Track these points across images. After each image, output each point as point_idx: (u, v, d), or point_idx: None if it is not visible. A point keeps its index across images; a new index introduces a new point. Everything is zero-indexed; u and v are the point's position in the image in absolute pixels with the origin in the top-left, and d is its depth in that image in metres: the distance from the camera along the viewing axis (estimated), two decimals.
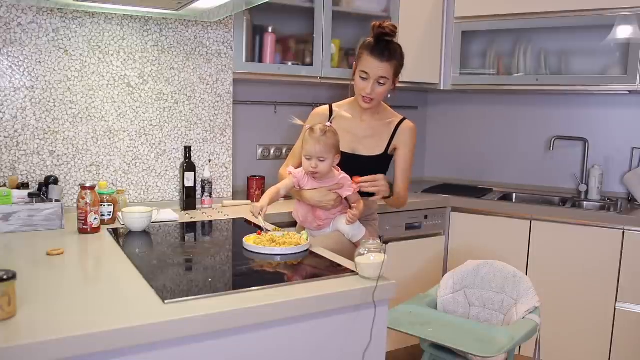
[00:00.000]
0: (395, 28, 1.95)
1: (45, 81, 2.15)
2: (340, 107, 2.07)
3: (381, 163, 2.07)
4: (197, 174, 2.48)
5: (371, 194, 1.92)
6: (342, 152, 1.94)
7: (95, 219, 1.88)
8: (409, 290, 2.69)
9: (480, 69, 3.20)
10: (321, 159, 1.83)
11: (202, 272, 1.52)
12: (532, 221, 2.71)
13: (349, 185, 1.88)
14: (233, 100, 2.61)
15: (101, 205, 1.98)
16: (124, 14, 2.27)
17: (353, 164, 1.98)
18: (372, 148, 2.06)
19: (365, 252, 1.43)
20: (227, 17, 2.48)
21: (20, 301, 1.16)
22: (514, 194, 3.18)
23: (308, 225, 1.92)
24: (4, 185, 2.07)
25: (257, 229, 1.95)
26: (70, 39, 2.18)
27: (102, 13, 2.23)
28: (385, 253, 1.43)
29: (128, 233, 1.91)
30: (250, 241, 1.70)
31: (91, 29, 2.22)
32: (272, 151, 3.01)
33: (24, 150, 2.14)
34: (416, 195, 2.96)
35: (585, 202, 2.99)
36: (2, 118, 2.09)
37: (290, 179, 1.90)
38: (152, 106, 2.39)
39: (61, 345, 1.03)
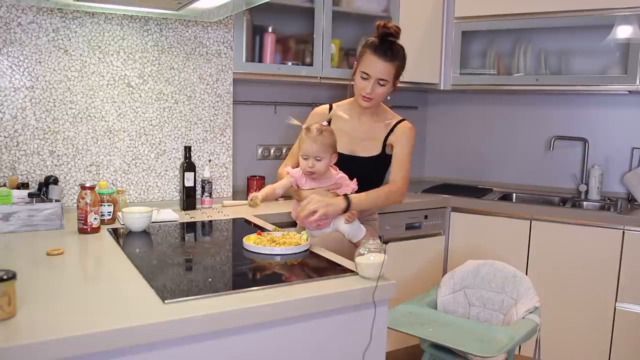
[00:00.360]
0: (399, 29, 1.95)
1: (45, 81, 2.15)
2: (340, 107, 2.07)
3: (379, 164, 2.05)
4: (197, 174, 2.48)
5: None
6: (340, 153, 1.94)
7: (95, 219, 1.88)
8: (409, 290, 2.69)
9: (480, 69, 3.20)
10: (318, 158, 1.82)
11: (202, 272, 1.52)
12: (532, 221, 2.71)
13: (347, 185, 1.88)
14: (233, 100, 2.61)
15: (101, 205, 1.97)
16: (124, 14, 2.27)
17: (351, 165, 1.98)
18: (370, 149, 2.04)
19: (365, 252, 1.43)
20: (227, 17, 2.48)
21: (20, 301, 1.16)
22: (514, 194, 3.18)
23: (308, 225, 1.93)
24: (4, 185, 2.07)
25: (257, 229, 1.95)
26: (70, 39, 2.18)
27: (102, 13, 2.23)
28: (385, 253, 1.43)
29: (128, 233, 1.91)
30: (250, 241, 1.70)
31: (91, 29, 2.22)
32: (272, 151, 3.01)
33: (24, 150, 2.14)
34: (416, 195, 2.96)
35: (585, 202, 2.99)
36: (2, 118, 2.09)
37: (288, 178, 1.90)
38: (152, 106, 2.39)
39: (61, 345, 1.03)
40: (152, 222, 2.00)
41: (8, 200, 1.89)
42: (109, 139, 2.31)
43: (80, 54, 2.21)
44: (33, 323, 1.09)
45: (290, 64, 2.75)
